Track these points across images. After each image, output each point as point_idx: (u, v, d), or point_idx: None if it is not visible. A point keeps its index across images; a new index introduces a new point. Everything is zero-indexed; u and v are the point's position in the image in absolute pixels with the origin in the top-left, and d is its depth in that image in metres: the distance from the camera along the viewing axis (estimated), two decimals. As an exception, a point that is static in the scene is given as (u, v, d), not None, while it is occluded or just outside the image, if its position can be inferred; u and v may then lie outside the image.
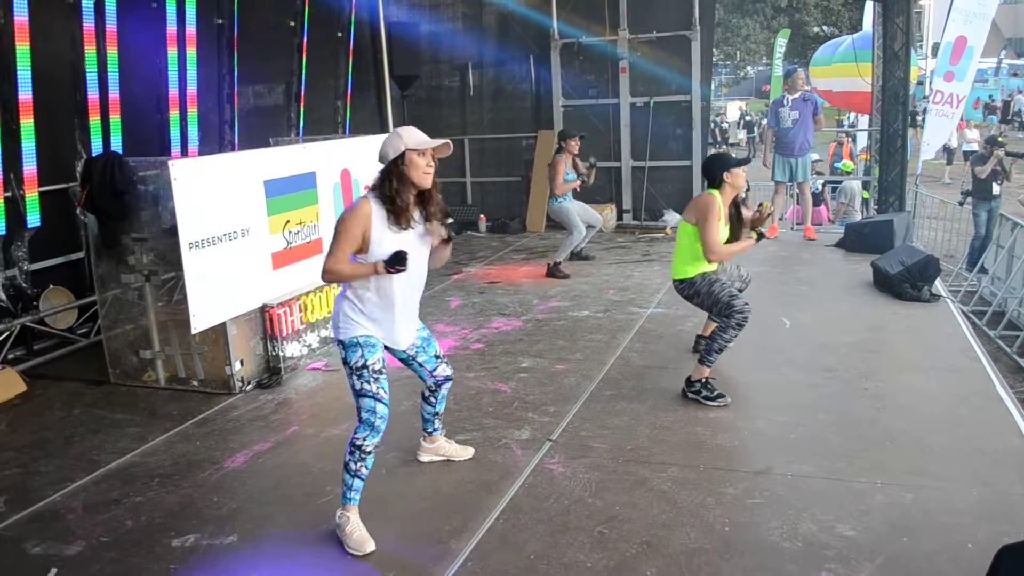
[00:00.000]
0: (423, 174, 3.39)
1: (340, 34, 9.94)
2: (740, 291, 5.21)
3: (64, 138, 6.47)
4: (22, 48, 5.85)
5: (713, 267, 5.00)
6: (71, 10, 6.36)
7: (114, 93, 6.64)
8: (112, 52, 6.59)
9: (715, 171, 4.92)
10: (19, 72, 5.85)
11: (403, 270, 3.34)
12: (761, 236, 4.92)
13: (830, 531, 3.45)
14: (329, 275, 3.43)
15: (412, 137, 3.39)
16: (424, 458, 4.19)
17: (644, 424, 4.59)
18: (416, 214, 3.47)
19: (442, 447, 4.20)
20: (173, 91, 7.37)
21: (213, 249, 5.08)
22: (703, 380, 4.85)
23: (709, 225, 4.77)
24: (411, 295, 3.60)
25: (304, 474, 4.18)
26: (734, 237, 4.94)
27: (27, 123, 5.96)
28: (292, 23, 9.03)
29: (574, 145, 8.06)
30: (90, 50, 6.43)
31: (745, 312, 4.77)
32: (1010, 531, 3.31)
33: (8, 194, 6.00)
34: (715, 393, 4.82)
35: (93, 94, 6.50)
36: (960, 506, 3.62)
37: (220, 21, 7.99)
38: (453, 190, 11.38)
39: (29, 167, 6.04)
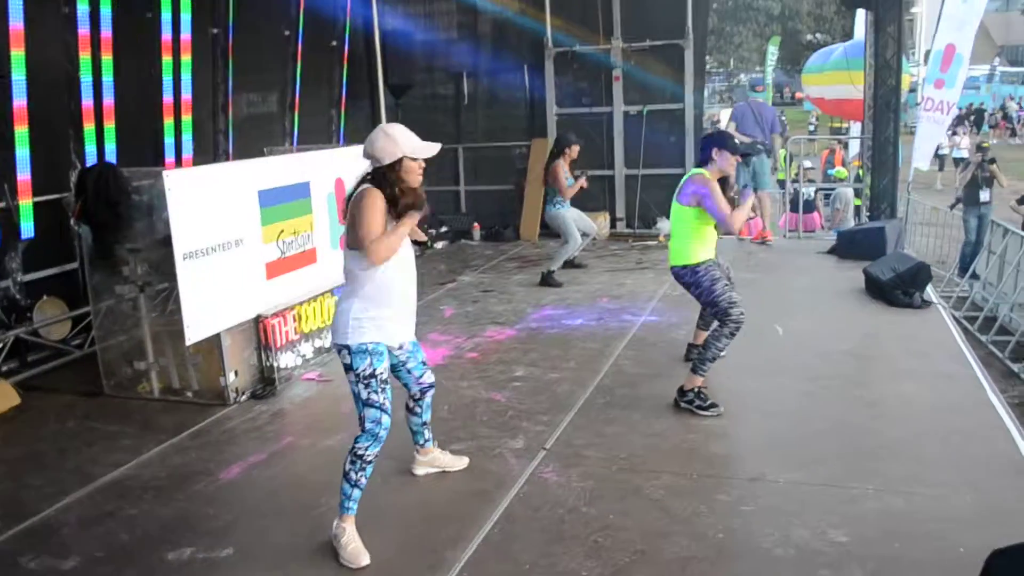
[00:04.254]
0: (416, 177, 3.44)
1: (335, 43, 9.96)
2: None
3: (58, 148, 6.47)
4: (17, 56, 5.85)
5: (712, 254, 4.95)
6: (67, 20, 6.37)
7: (108, 100, 6.66)
8: (107, 61, 6.61)
9: (707, 146, 4.92)
10: (14, 80, 5.86)
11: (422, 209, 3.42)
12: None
13: (823, 537, 3.47)
14: (380, 250, 3.30)
15: (407, 142, 3.40)
16: (420, 471, 4.17)
17: (637, 432, 4.61)
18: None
19: (437, 458, 4.20)
20: (168, 101, 7.38)
21: (207, 259, 5.09)
22: (696, 389, 4.85)
23: (715, 198, 4.74)
24: (410, 288, 3.61)
25: (299, 485, 4.19)
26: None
27: (21, 132, 5.96)
28: (287, 32, 9.04)
29: (576, 150, 8.09)
30: (85, 58, 6.44)
31: (740, 321, 4.75)
32: (1002, 536, 3.27)
33: (2, 204, 6.00)
34: (708, 403, 4.82)
35: (88, 103, 6.51)
36: (952, 512, 3.64)
37: (215, 30, 7.99)
38: (447, 198, 11.39)
39: (23, 176, 6.04)
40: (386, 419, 3.48)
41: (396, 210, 3.39)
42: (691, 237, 4.90)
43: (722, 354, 4.86)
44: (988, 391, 5.00)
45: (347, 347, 3.46)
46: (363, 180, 3.46)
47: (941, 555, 3.33)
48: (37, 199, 6.22)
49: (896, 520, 3.59)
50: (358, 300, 3.47)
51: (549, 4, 10.49)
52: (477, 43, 11.23)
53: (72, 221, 6.18)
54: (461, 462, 4.25)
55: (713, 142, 4.94)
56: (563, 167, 8.03)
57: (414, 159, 3.41)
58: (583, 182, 8.07)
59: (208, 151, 8.03)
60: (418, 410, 4.00)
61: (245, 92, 8.65)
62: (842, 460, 4.16)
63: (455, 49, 11.27)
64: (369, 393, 3.45)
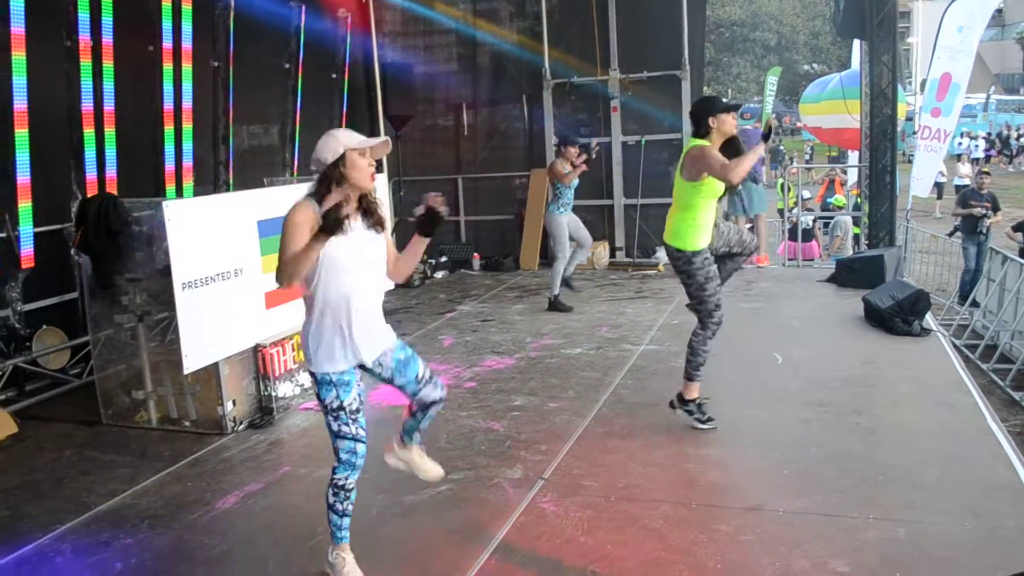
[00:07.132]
0: (366, 175, 3.26)
1: (335, 75, 10.06)
2: (740, 252, 5.13)
3: (59, 179, 6.51)
4: (19, 84, 5.91)
5: (710, 239, 4.79)
6: (68, 52, 6.44)
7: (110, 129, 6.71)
8: (109, 94, 6.67)
9: (701, 116, 4.70)
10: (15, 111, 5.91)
11: (340, 225, 3.03)
12: (768, 134, 4.71)
13: (823, 568, 3.43)
14: (283, 270, 3.16)
15: (349, 138, 3.25)
16: (390, 461, 3.79)
17: (636, 462, 4.58)
18: (360, 219, 3.30)
19: (413, 459, 3.79)
20: (169, 133, 7.43)
21: (206, 289, 5.10)
22: (698, 402, 4.92)
23: (711, 160, 4.50)
24: (365, 303, 3.31)
25: (296, 515, 4.16)
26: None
27: (23, 160, 6.01)
28: (287, 65, 9.14)
29: (573, 152, 8.09)
30: (87, 93, 6.51)
31: (721, 323, 4.88)
32: (1003, 565, 3.30)
33: (3, 235, 6.03)
34: (707, 416, 4.92)
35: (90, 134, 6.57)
36: (953, 540, 3.61)
37: (216, 63, 8.08)
38: (447, 228, 11.42)
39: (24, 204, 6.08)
40: (361, 447, 3.35)
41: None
42: (689, 216, 4.72)
43: (708, 355, 4.92)
44: (988, 419, 4.98)
45: (312, 374, 3.35)
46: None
47: (942, 584, 3.30)
48: (38, 229, 6.25)
49: (897, 549, 3.56)
50: (309, 323, 3.33)
51: (547, 36, 10.63)
52: (476, 75, 11.36)
53: (72, 251, 6.22)
54: (436, 470, 3.85)
55: (704, 112, 4.70)
56: (562, 164, 8.03)
57: (359, 152, 3.23)
58: (580, 166, 8.00)
59: (209, 182, 8.08)
60: (419, 416, 3.64)
61: (246, 124, 8.73)
62: (842, 488, 4.14)
63: (454, 81, 11.41)
64: (339, 426, 3.34)
